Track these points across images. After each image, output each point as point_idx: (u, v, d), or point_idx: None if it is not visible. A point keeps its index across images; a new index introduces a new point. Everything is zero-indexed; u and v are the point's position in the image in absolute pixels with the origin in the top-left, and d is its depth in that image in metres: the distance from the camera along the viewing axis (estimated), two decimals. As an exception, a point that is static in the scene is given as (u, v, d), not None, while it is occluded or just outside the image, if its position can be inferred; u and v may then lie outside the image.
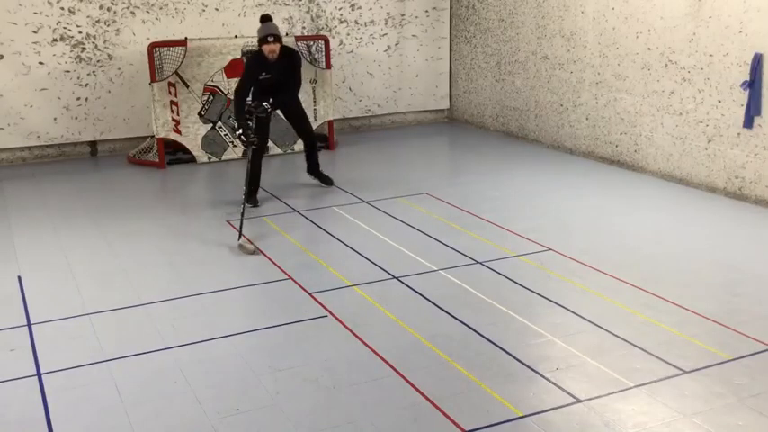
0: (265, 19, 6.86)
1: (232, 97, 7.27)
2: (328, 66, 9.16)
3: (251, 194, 6.84)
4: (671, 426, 3.58)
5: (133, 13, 8.82)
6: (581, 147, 8.77)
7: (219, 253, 5.88)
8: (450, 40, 10.76)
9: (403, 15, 10.35)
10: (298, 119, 7.32)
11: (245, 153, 7.39)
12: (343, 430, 3.57)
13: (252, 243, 5.93)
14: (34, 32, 8.44)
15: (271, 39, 6.66)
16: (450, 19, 10.70)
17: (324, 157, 8.93)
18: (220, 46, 8.63)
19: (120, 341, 4.46)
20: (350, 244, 6.00)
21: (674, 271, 5.40)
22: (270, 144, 9.02)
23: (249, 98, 6.88)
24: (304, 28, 9.73)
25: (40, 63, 8.52)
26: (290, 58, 6.88)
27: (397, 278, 5.34)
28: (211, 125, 8.72)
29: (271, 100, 6.76)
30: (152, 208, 7.12)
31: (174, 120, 8.51)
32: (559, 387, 3.92)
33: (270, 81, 6.81)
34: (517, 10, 9.42)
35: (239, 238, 6.00)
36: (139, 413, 3.72)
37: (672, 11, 7.41)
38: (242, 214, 6.22)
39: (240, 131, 6.52)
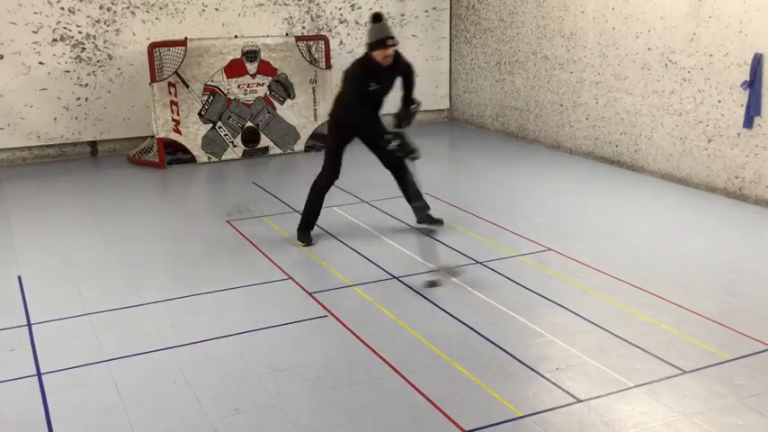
0: (378, 18, 5.72)
1: (344, 114, 5.91)
2: (328, 66, 9.16)
3: (307, 230, 6.11)
4: (671, 426, 3.58)
5: (133, 13, 8.82)
6: (581, 147, 8.77)
7: (220, 253, 5.88)
8: (450, 40, 10.76)
9: (403, 15, 10.35)
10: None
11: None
12: (343, 430, 3.57)
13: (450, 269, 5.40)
14: (34, 32, 8.44)
15: (390, 41, 5.61)
16: (450, 19, 10.70)
17: (324, 157, 8.95)
18: (220, 46, 8.63)
19: (120, 341, 4.45)
20: (350, 244, 6.00)
21: (674, 271, 5.40)
22: (270, 144, 9.04)
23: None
24: (304, 28, 9.73)
25: (40, 63, 8.52)
26: (399, 65, 5.85)
27: (397, 278, 5.33)
28: (211, 125, 8.71)
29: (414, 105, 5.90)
30: (152, 208, 7.12)
31: (174, 120, 8.51)
32: (559, 387, 3.92)
33: (380, 92, 5.82)
34: (517, 10, 9.42)
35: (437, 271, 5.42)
36: (139, 413, 3.72)
37: (672, 11, 7.41)
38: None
39: (396, 142, 5.61)
